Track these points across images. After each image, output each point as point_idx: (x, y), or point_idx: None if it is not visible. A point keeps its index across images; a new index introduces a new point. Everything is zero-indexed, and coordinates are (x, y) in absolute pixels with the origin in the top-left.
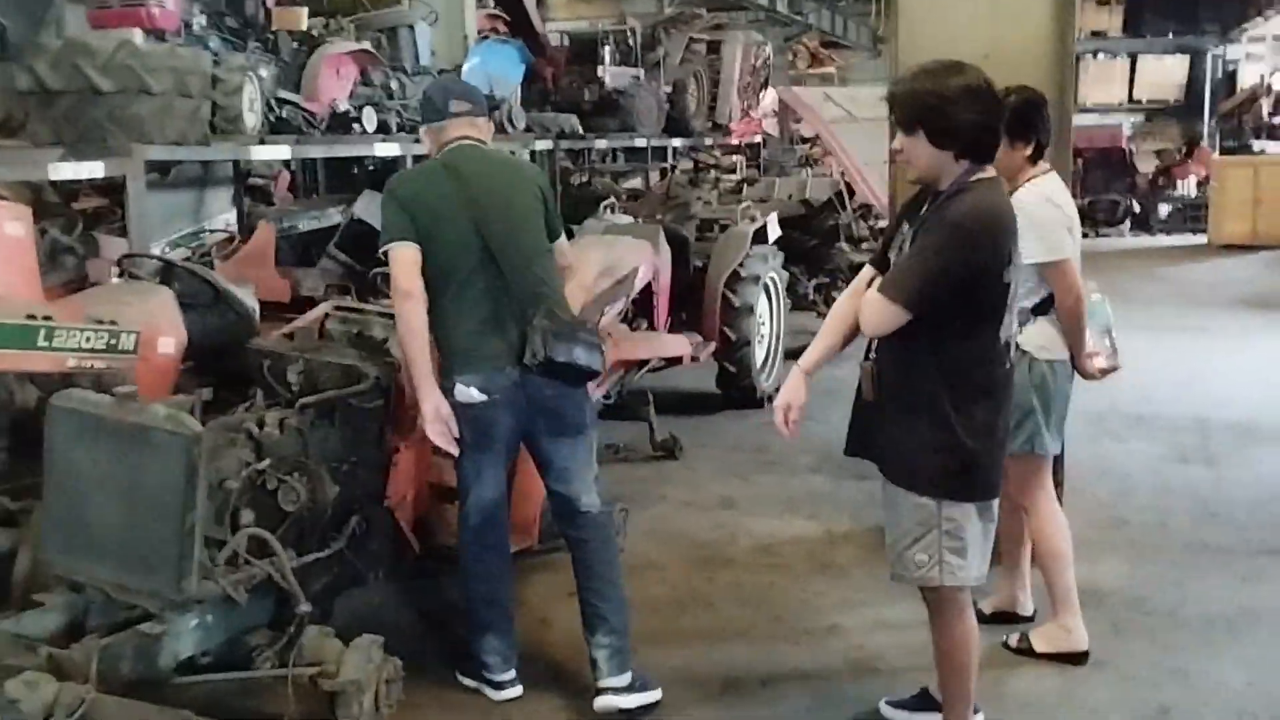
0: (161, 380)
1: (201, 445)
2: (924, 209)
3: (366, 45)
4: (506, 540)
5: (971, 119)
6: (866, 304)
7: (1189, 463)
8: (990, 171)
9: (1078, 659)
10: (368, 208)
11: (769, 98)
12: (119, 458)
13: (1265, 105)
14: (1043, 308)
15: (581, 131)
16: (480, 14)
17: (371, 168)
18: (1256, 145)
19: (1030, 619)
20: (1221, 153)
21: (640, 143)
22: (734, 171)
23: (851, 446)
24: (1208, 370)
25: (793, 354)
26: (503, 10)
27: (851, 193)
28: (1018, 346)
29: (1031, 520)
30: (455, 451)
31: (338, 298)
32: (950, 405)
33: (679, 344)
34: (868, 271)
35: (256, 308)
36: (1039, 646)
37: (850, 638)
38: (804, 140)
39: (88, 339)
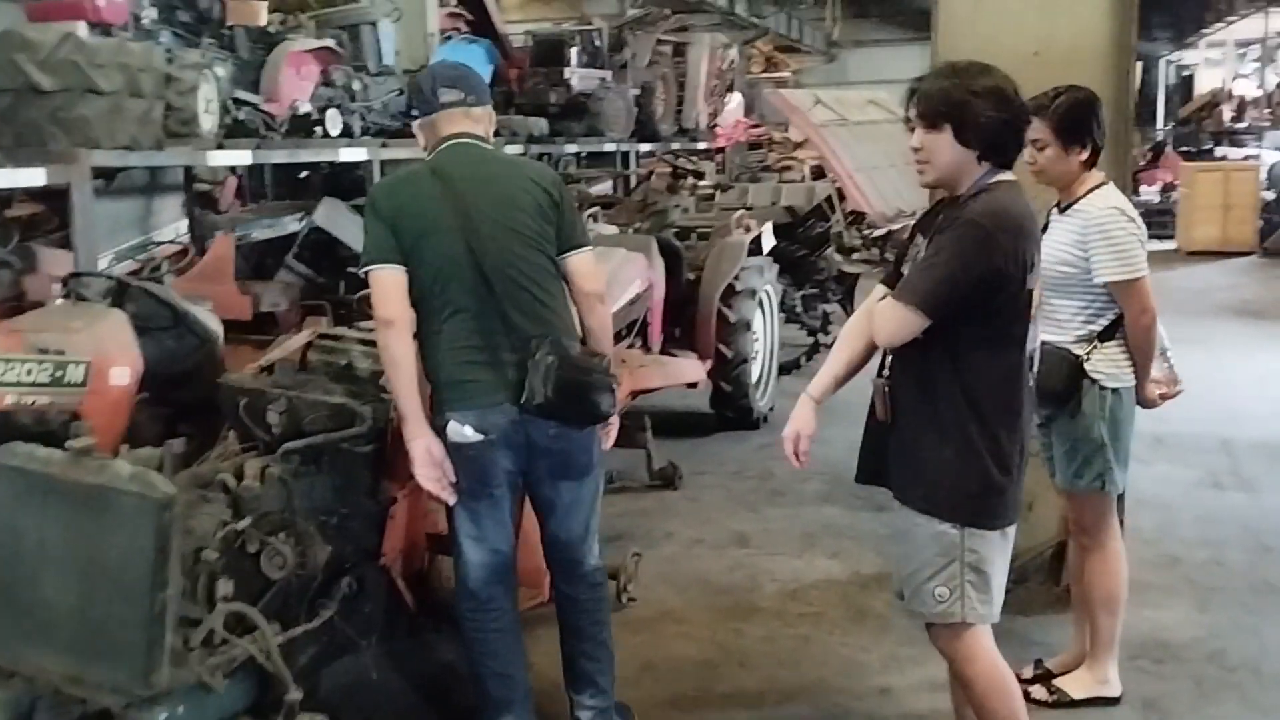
0: (115, 416)
1: (175, 510)
2: (940, 220)
3: (330, 43)
4: (513, 601)
5: (998, 118)
6: (880, 313)
7: (1224, 489)
8: (1011, 175)
9: (1112, 702)
10: (328, 216)
11: (734, 101)
12: (74, 525)
13: (1227, 111)
14: (1109, 331)
15: (551, 134)
16: (441, 13)
17: (325, 173)
18: (1219, 151)
19: (1116, 700)
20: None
21: (610, 147)
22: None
23: (864, 474)
24: (1218, 386)
25: (784, 369)
26: (464, 9)
27: (843, 198)
28: (1086, 374)
29: (1093, 561)
30: (450, 499)
31: (314, 322)
32: (973, 423)
33: (694, 369)
34: (879, 290)
35: (220, 331)
36: (1075, 694)
37: (905, 702)
38: (754, 146)
39: (29, 371)
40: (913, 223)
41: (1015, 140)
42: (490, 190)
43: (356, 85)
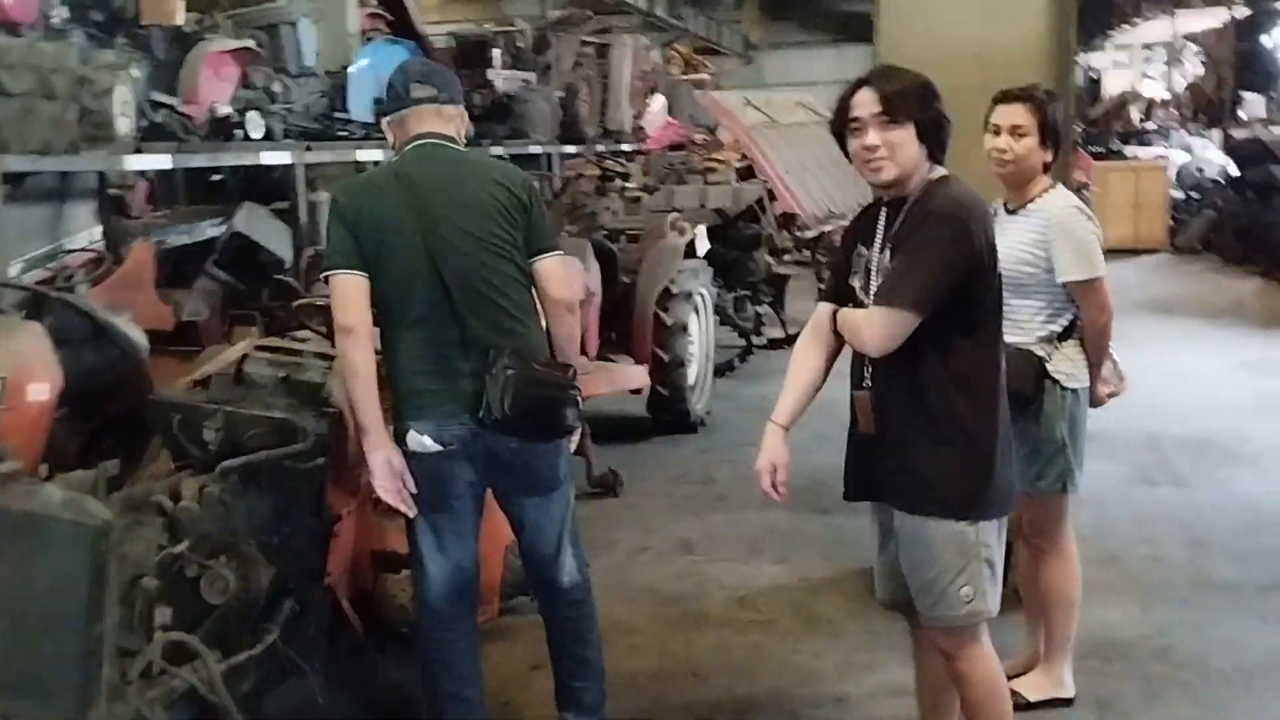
0: (33, 433)
1: (111, 537)
2: (888, 223)
3: (249, 43)
4: (474, 620)
5: (944, 115)
6: (866, 323)
7: (1156, 484)
8: (943, 170)
9: (1066, 703)
10: (248, 221)
11: (657, 103)
12: (1, 554)
13: (1135, 112)
14: (1068, 331)
15: (475, 138)
16: (361, 13)
17: (241, 177)
18: (1129, 151)
19: (1070, 702)
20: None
21: (535, 149)
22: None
23: (854, 490)
24: (1143, 382)
25: (719, 371)
26: (384, 10)
27: (773, 200)
28: (1048, 375)
29: (1050, 563)
30: (411, 512)
31: (246, 332)
32: (967, 413)
33: (638, 374)
34: (825, 309)
35: (144, 342)
36: (1031, 696)
37: (862, 709)
38: (675, 148)
39: None
40: (843, 228)
41: (948, 137)
42: (455, 195)
43: (277, 87)
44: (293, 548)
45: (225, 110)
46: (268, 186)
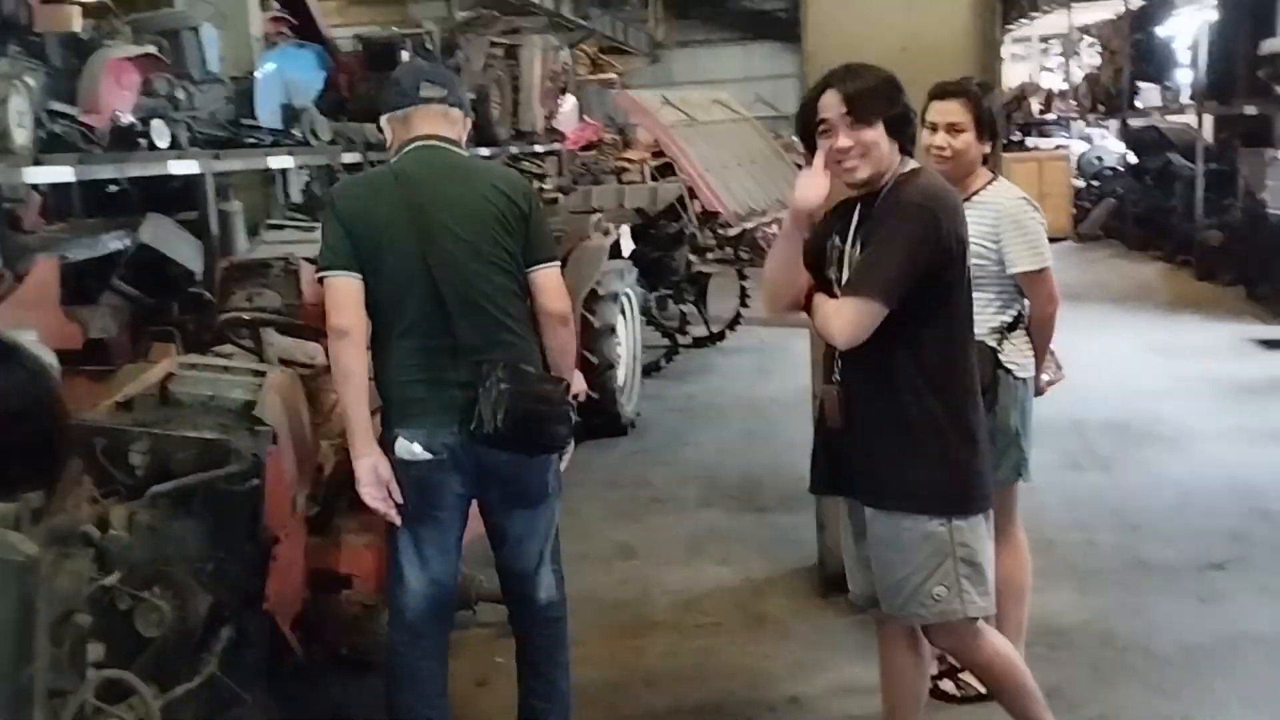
0: None
1: (38, 572)
2: (862, 217)
3: (151, 49)
4: (445, 639)
5: (910, 109)
6: (836, 313)
7: (1084, 469)
8: (914, 163)
9: None
10: (155, 233)
11: (569, 103)
12: None
13: (1035, 103)
14: (1015, 322)
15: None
16: (264, 17)
17: (143, 187)
18: (1030, 141)
19: None
20: None
21: None
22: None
23: (819, 484)
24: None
25: (646, 372)
26: (287, 13)
27: (694, 198)
28: (1000, 365)
29: (1003, 553)
30: (395, 519)
31: (164, 349)
32: (944, 412)
33: (577, 381)
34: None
35: (55, 362)
36: (984, 687)
37: (816, 709)
38: (587, 148)
39: None
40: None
41: (916, 130)
42: (453, 202)
43: (181, 94)
44: (229, 573)
45: (128, 119)
46: (171, 196)
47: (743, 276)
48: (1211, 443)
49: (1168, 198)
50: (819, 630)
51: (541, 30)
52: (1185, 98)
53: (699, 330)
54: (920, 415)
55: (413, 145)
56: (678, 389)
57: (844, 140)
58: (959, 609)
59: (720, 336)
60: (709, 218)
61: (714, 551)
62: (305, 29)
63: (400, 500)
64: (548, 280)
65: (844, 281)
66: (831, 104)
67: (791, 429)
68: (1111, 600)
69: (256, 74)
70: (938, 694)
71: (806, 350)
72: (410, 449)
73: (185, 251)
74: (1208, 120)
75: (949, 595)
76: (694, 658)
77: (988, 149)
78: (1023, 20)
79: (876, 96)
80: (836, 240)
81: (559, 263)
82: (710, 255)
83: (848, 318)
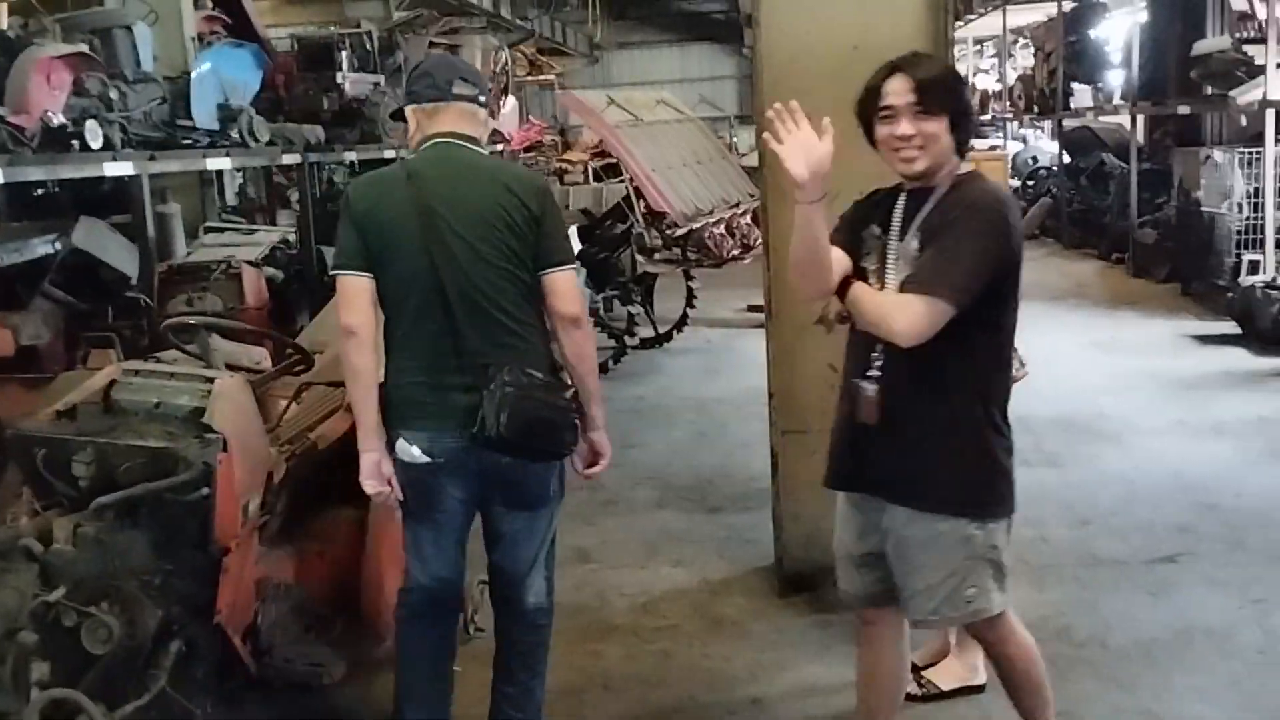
0: None
1: None
2: (910, 211)
3: (83, 48)
4: (449, 635)
5: (972, 107)
6: (898, 309)
7: (1033, 465)
8: (968, 164)
9: (978, 690)
10: (88, 236)
11: (509, 104)
12: None
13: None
14: None
15: (325, 143)
16: (198, 16)
17: (73, 190)
18: None
19: (981, 689)
20: None
21: (389, 154)
22: None
23: (840, 479)
24: None
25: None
26: (221, 12)
27: (640, 198)
28: None
29: None
30: (396, 513)
31: (103, 355)
32: (982, 412)
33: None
34: (839, 254)
35: None
36: (945, 685)
37: (778, 710)
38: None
39: None
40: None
41: (974, 130)
42: (462, 202)
43: (114, 94)
44: (178, 586)
45: (59, 120)
46: (104, 199)
47: (689, 277)
48: (1154, 437)
49: (1102, 197)
50: (778, 631)
51: (481, 31)
52: (1118, 98)
53: (646, 331)
54: (966, 418)
55: (433, 141)
56: (626, 390)
57: (907, 128)
58: (987, 608)
59: (668, 338)
60: (656, 218)
61: (669, 553)
62: (240, 28)
63: (401, 496)
64: (560, 283)
65: (887, 281)
66: (899, 89)
67: (741, 429)
68: (1066, 595)
69: (191, 74)
70: None
71: (753, 350)
72: (410, 452)
73: (120, 255)
74: (1140, 120)
75: (979, 596)
76: (653, 661)
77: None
78: (958, 23)
79: (946, 88)
80: (875, 230)
81: (573, 265)
82: (657, 256)
83: (917, 315)
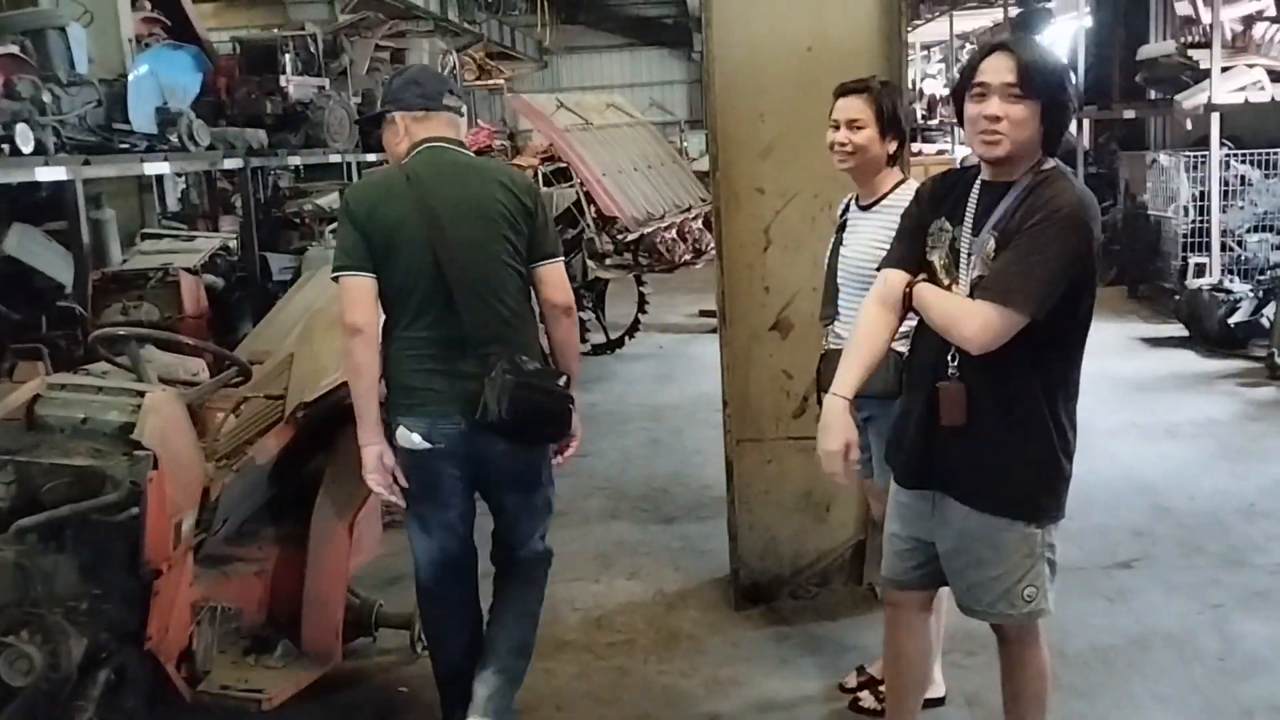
0: None
1: None
2: (987, 206)
3: (13, 49)
4: (469, 598)
5: (1072, 102)
6: (970, 317)
7: None
8: (1054, 161)
9: (938, 703)
10: (21, 244)
11: None
12: None
13: (918, 108)
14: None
15: (269, 147)
16: (135, 17)
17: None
18: (914, 146)
19: (942, 700)
20: None
21: (334, 158)
22: None
23: (912, 476)
24: None
25: None
26: (160, 14)
27: (590, 203)
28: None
29: None
30: (401, 503)
31: (31, 368)
32: (1050, 420)
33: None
34: (896, 276)
35: None
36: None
37: None
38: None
39: None
40: (669, 226)
41: (1067, 130)
42: (462, 199)
43: (47, 97)
44: (106, 611)
45: None
46: (39, 205)
47: (640, 282)
48: (1108, 439)
49: None
50: (734, 645)
51: (428, 34)
52: None
53: (598, 337)
54: (1037, 424)
55: (424, 146)
56: (578, 397)
57: (994, 108)
58: (1046, 608)
59: (619, 343)
60: (606, 223)
61: (623, 565)
62: (180, 30)
63: (405, 485)
64: (552, 274)
65: (959, 278)
66: (998, 67)
67: (695, 435)
68: None
69: (129, 76)
70: (856, 707)
71: (706, 355)
72: (410, 438)
73: (54, 263)
74: (1086, 124)
75: (1038, 595)
76: (607, 678)
77: (893, 148)
78: (905, 28)
79: (1048, 74)
80: (945, 224)
81: (562, 258)
82: (608, 261)
83: (989, 324)
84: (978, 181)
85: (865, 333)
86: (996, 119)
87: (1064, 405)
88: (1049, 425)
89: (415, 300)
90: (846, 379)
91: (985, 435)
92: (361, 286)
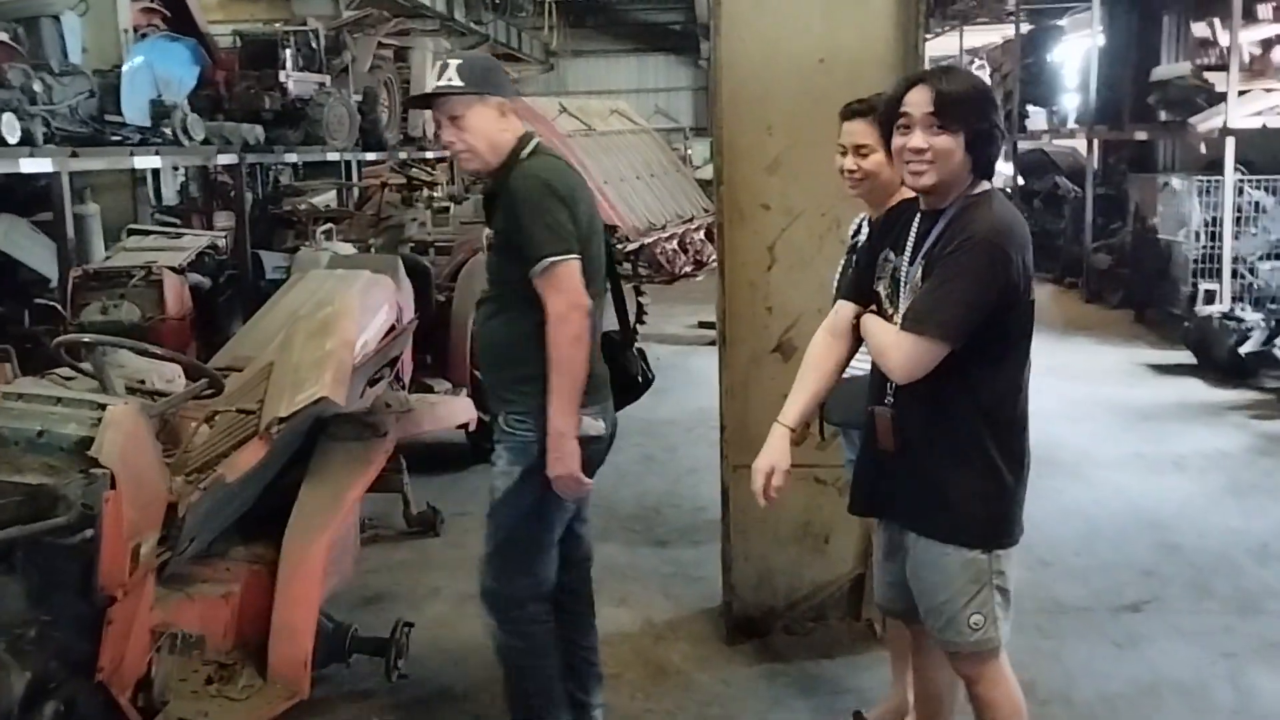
0: None
1: None
2: (920, 234)
3: (4, 37)
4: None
5: (997, 127)
6: (893, 347)
7: None
8: (988, 184)
9: None
10: (6, 236)
11: None
12: None
13: None
14: None
15: (267, 143)
16: (134, 7)
17: None
18: None
19: None
20: None
21: (332, 156)
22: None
23: (861, 504)
24: None
25: None
26: (160, 4)
27: None
28: None
29: None
30: (588, 489)
31: None
32: (992, 445)
33: (465, 408)
34: (846, 308)
35: None
36: None
37: None
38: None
39: None
40: (864, 228)
41: (998, 153)
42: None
43: (38, 86)
44: (55, 639)
45: None
46: (29, 197)
47: (640, 292)
48: (1113, 470)
49: (1056, 221)
50: (725, 682)
51: (433, 33)
52: (1073, 122)
53: None
54: (972, 447)
55: (536, 138)
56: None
57: (918, 140)
58: (995, 637)
59: None
60: (607, 232)
61: (611, 591)
62: (180, 22)
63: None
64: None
65: (899, 307)
66: (918, 100)
67: (689, 453)
68: (1028, 645)
69: (124, 68)
70: None
71: (704, 368)
72: (596, 426)
73: (39, 256)
74: (1096, 145)
75: (985, 623)
76: None
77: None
78: None
79: (967, 105)
80: (890, 254)
81: None
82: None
83: (908, 355)
84: (919, 212)
85: (812, 363)
86: (920, 150)
87: (1004, 426)
88: (986, 447)
89: (595, 288)
90: (792, 408)
91: (923, 461)
92: (580, 269)
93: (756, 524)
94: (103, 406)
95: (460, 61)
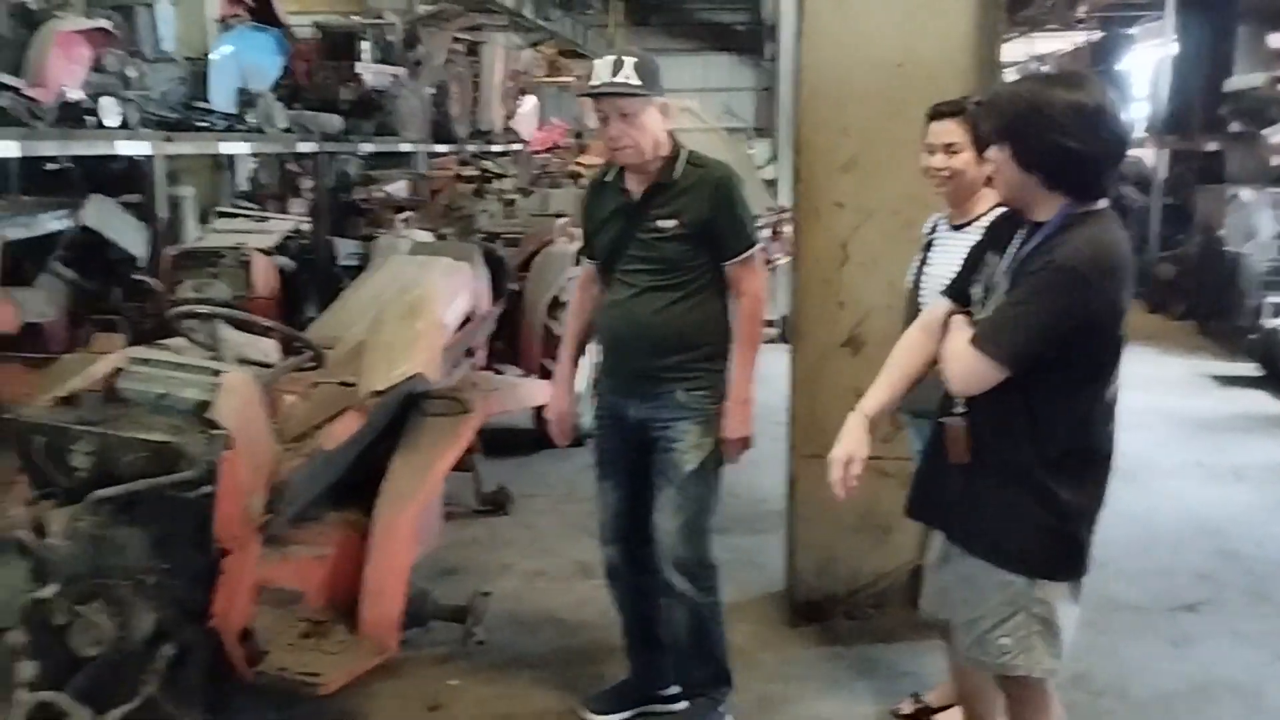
0: None
1: None
2: (1021, 242)
3: (104, 24)
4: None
5: (1063, 144)
6: (956, 357)
7: None
8: (1102, 204)
9: None
10: (98, 215)
11: (528, 104)
12: None
13: None
14: None
15: (343, 133)
16: None
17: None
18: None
19: None
20: None
21: (406, 147)
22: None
23: (917, 509)
24: None
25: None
26: None
27: None
28: None
29: None
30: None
31: (108, 340)
32: (1049, 477)
33: (543, 390)
34: (942, 305)
35: None
36: None
37: None
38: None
39: None
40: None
41: (1091, 173)
42: None
43: (133, 72)
44: (173, 587)
45: (76, 95)
46: (116, 178)
47: None
48: (1172, 478)
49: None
50: (787, 662)
51: (503, 29)
52: (1141, 131)
53: None
54: (1029, 478)
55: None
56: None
57: (991, 151)
58: (1022, 664)
59: None
60: None
61: None
62: (263, 12)
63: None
64: None
65: (986, 309)
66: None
67: (757, 445)
68: (1084, 640)
69: (212, 56)
70: None
71: (767, 365)
72: None
73: (129, 236)
74: (1164, 154)
75: (1013, 648)
76: None
77: (990, 170)
78: None
79: (998, 111)
80: (992, 255)
81: None
82: None
83: (966, 368)
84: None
85: (899, 357)
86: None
87: (1065, 459)
88: (1046, 483)
89: None
90: (873, 398)
91: (981, 478)
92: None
93: (820, 513)
94: (218, 373)
95: (636, 59)
